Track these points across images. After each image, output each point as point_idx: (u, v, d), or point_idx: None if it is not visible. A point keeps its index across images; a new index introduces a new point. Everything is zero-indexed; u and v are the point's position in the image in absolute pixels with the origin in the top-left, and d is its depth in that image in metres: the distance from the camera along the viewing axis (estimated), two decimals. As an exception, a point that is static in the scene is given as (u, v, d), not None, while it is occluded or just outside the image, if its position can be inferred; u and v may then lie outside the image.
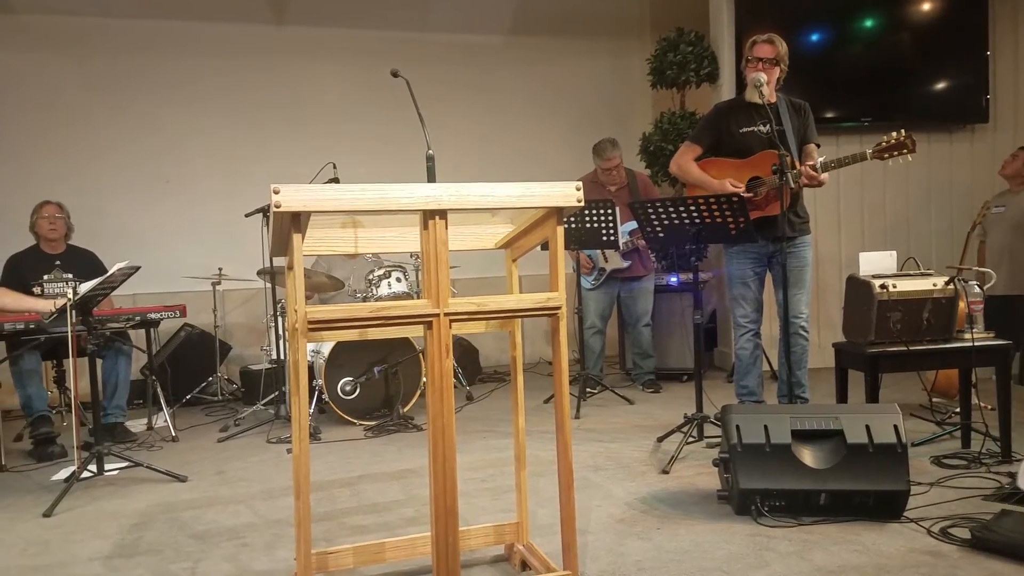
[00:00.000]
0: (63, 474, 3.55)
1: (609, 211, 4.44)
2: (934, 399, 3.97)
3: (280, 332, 4.80)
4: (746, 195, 3.59)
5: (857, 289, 3.23)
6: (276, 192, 1.74)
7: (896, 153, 3.46)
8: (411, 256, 4.95)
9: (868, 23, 5.76)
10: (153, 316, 4.19)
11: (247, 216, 4.65)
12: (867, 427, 2.56)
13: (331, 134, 6.03)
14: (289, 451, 3.81)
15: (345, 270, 5.13)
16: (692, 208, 3.41)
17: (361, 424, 4.33)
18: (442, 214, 1.87)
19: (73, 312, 3.28)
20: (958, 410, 3.60)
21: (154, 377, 4.49)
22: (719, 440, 3.03)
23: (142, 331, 4.34)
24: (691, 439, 3.45)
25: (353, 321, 1.89)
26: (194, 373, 5.32)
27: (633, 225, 4.62)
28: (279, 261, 4.34)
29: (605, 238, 4.50)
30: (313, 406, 4.57)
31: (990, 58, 5.82)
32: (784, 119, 3.73)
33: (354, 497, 3.10)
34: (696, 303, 3.58)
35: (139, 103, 5.80)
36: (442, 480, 1.88)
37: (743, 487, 2.58)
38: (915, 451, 3.16)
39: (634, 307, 5.23)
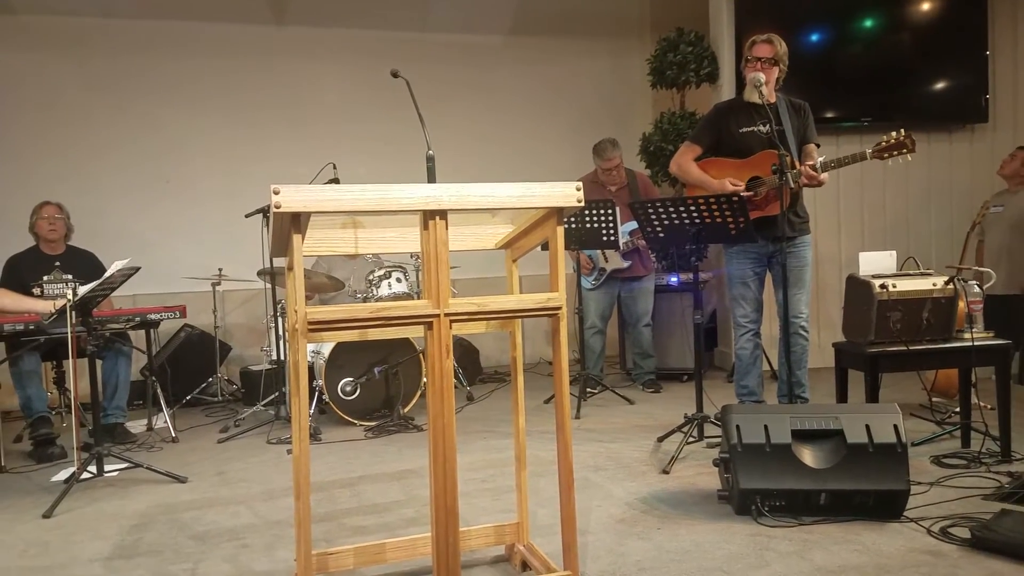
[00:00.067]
0: (63, 475, 3.55)
1: (609, 211, 4.43)
2: (934, 399, 3.98)
3: (280, 333, 4.80)
4: (746, 195, 3.59)
5: (857, 289, 3.24)
6: (276, 192, 1.74)
7: (896, 153, 3.46)
8: (411, 256, 4.95)
9: (868, 23, 5.76)
10: (153, 317, 4.19)
11: (247, 216, 4.66)
12: (867, 427, 2.56)
13: (331, 134, 6.03)
14: (289, 452, 3.81)
15: (345, 270, 5.12)
16: (692, 208, 3.41)
17: (361, 425, 4.33)
18: (442, 214, 1.87)
19: (73, 313, 3.28)
20: (958, 410, 3.60)
21: (154, 378, 4.48)
22: (719, 440, 3.04)
23: (142, 332, 4.34)
24: (691, 439, 3.46)
25: (353, 322, 1.89)
26: (194, 374, 5.32)
27: (633, 225, 4.62)
28: (279, 262, 4.35)
29: (605, 238, 4.50)
30: (313, 407, 4.57)
31: (989, 58, 5.83)
32: (784, 119, 3.73)
33: (354, 498, 3.09)
34: (696, 303, 3.58)
35: (139, 103, 5.79)
36: (442, 480, 1.88)
37: (743, 487, 2.58)
38: (915, 451, 3.16)
39: (634, 307, 5.23)
